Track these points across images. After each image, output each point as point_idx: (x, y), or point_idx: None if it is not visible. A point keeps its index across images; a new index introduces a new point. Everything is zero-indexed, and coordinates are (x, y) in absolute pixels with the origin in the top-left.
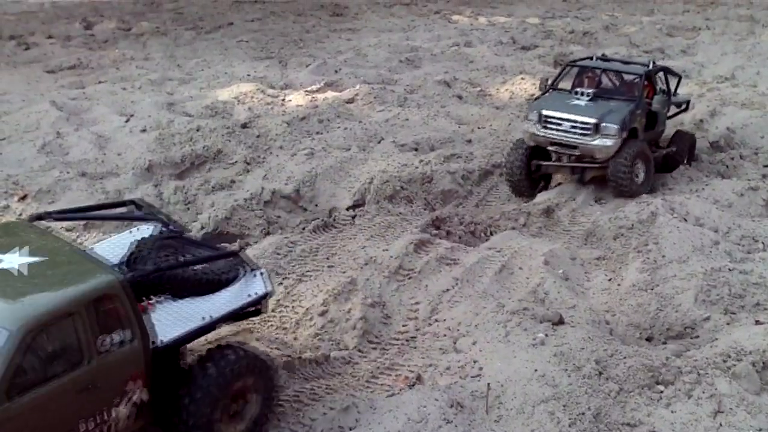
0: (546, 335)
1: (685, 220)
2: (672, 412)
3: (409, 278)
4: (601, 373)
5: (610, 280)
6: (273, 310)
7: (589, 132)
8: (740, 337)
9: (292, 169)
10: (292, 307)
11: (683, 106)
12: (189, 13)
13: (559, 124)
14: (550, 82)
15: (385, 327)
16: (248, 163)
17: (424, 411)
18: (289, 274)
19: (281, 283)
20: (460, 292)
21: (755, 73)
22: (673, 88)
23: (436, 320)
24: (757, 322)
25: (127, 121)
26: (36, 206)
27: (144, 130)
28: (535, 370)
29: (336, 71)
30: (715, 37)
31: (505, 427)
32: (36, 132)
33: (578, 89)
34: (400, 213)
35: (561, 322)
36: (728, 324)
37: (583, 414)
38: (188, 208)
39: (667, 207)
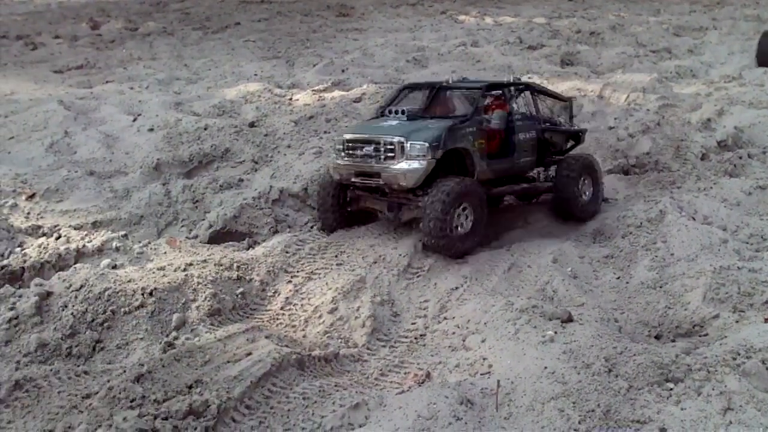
0: (555, 333)
1: (694, 218)
2: (682, 409)
3: (418, 276)
4: (610, 371)
5: (618, 278)
6: (282, 308)
7: (392, 154)
8: (750, 335)
9: (300, 167)
10: (301, 305)
11: (578, 138)
12: (196, 13)
13: (362, 148)
14: (381, 105)
15: (394, 325)
16: (256, 162)
17: (433, 408)
18: (297, 272)
19: (290, 281)
20: (469, 290)
21: (762, 72)
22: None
23: (445, 318)
24: (766, 320)
25: (134, 120)
26: (44, 205)
27: (152, 129)
28: (545, 368)
29: (343, 71)
30: (722, 37)
31: (515, 424)
32: (44, 131)
33: (393, 108)
34: None
35: (570, 319)
36: (737, 322)
37: (593, 411)
38: (196, 207)
39: (675, 205)
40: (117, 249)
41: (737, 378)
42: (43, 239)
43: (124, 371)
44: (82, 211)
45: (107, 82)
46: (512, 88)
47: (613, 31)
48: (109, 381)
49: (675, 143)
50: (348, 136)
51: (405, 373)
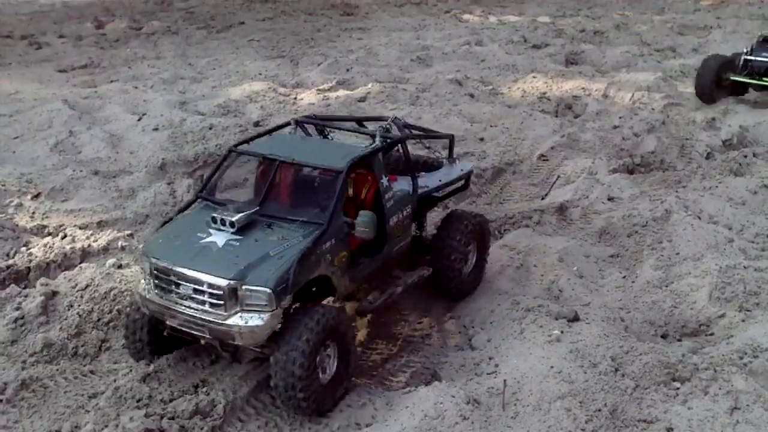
0: (561, 332)
1: (699, 217)
2: (688, 408)
3: None
4: (617, 370)
5: (624, 277)
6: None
7: (220, 302)
8: (756, 334)
9: None
10: None
11: (460, 183)
12: (200, 13)
13: (177, 285)
14: (204, 180)
15: (400, 324)
16: None
17: (440, 407)
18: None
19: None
20: (475, 290)
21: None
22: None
23: (451, 317)
24: None
25: (139, 119)
26: (49, 204)
27: (156, 129)
28: (551, 367)
29: (347, 70)
30: (726, 36)
31: (521, 423)
32: (48, 131)
33: (220, 214)
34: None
35: (576, 319)
36: (743, 321)
37: (600, 410)
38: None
39: (680, 205)
40: (122, 248)
41: (744, 377)
42: (48, 239)
43: (131, 371)
44: (88, 211)
45: (112, 81)
46: (381, 153)
47: (618, 30)
48: (115, 381)
49: (680, 142)
50: (156, 262)
51: (411, 373)
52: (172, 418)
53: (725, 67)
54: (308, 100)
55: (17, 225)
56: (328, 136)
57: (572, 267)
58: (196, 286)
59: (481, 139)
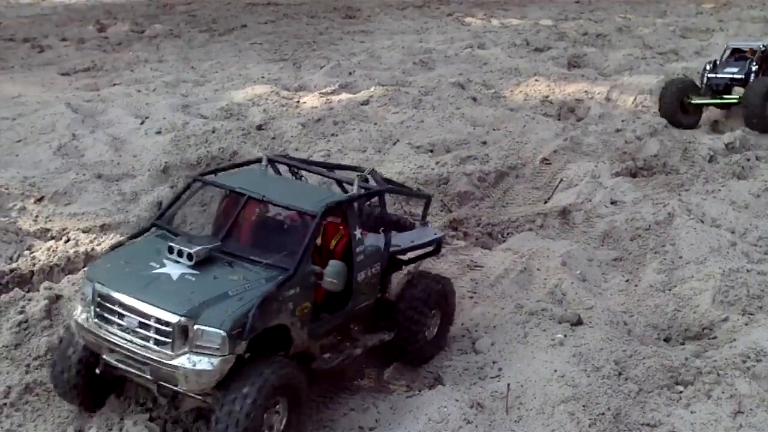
0: (565, 336)
1: (702, 221)
2: (692, 412)
3: None
4: (620, 374)
5: (627, 281)
6: None
7: (167, 339)
8: (759, 338)
9: None
10: None
11: (431, 248)
12: (202, 16)
13: (121, 315)
14: (163, 208)
15: None
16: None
17: (444, 411)
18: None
19: None
20: (478, 293)
21: None
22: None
23: (455, 321)
24: None
25: (142, 123)
26: (52, 208)
27: (159, 132)
28: (555, 371)
29: (350, 73)
30: (728, 39)
31: (525, 427)
32: (51, 134)
33: (178, 244)
34: (418, 214)
35: (579, 322)
36: (746, 325)
37: (603, 414)
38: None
39: (683, 208)
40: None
41: (747, 381)
42: (51, 242)
43: None
44: (91, 214)
45: (114, 84)
46: (356, 203)
47: (620, 33)
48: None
49: (683, 145)
50: (101, 288)
51: (415, 377)
52: (176, 422)
53: (687, 91)
54: (311, 103)
55: (20, 229)
56: (301, 178)
57: (575, 271)
58: (143, 320)
59: (484, 143)
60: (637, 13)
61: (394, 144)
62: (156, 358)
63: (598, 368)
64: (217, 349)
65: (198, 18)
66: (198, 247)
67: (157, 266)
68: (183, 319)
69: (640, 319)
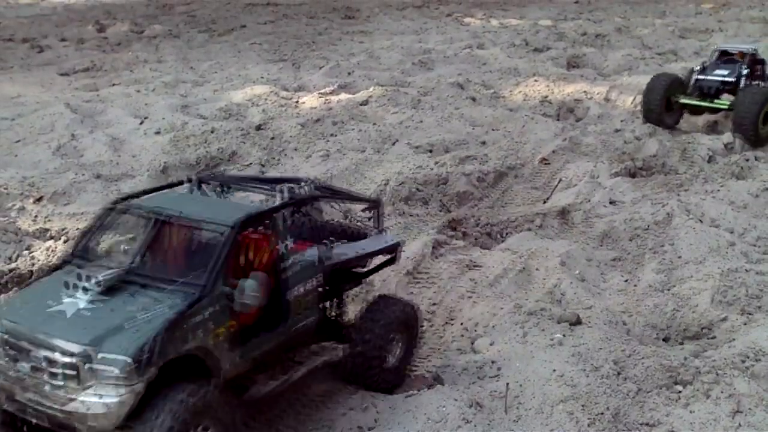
0: (564, 335)
1: (701, 221)
2: (691, 412)
3: (426, 279)
4: (619, 373)
5: (626, 281)
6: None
7: (72, 372)
8: (758, 338)
9: (307, 170)
10: None
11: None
12: (201, 16)
13: (27, 353)
14: (77, 239)
15: None
16: (263, 165)
17: (443, 411)
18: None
19: None
20: (477, 293)
21: None
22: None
23: (453, 321)
24: None
25: (141, 123)
26: (52, 208)
27: (158, 132)
28: (554, 371)
29: (349, 73)
30: (727, 39)
31: (524, 426)
32: (50, 134)
33: (85, 273)
34: (416, 214)
35: (578, 322)
36: (745, 324)
37: (602, 414)
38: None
39: (682, 208)
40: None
41: (746, 380)
42: (50, 242)
43: None
44: (90, 215)
45: (114, 84)
46: (284, 211)
47: (619, 34)
48: None
49: (682, 146)
50: (6, 324)
51: (414, 376)
52: None
53: (675, 88)
54: (310, 103)
55: (20, 228)
56: (230, 196)
57: (574, 271)
58: (46, 354)
59: (483, 143)
60: (636, 14)
61: (393, 144)
62: (59, 394)
63: (597, 368)
64: (123, 378)
65: (197, 18)
66: (103, 276)
67: (63, 298)
68: (84, 349)
69: (639, 318)
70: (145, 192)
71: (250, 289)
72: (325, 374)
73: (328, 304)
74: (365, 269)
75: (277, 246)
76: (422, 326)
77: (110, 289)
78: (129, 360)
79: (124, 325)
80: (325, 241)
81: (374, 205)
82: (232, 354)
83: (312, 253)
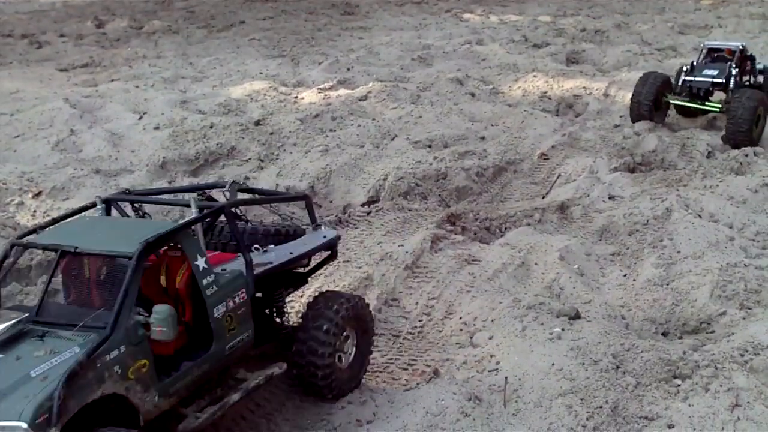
0: (562, 330)
1: (700, 216)
2: (689, 405)
3: (425, 273)
4: (618, 367)
5: (625, 275)
6: (289, 302)
7: None
8: (757, 332)
9: (306, 166)
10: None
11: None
12: (200, 12)
13: None
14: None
15: (401, 322)
16: (262, 160)
17: (441, 404)
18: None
19: None
20: (476, 287)
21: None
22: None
23: (452, 315)
24: None
25: (140, 118)
26: (50, 203)
27: (157, 128)
28: (553, 364)
29: (348, 69)
30: (727, 35)
31: (523, 420)
32: (50, 129)
33: None
34: (415, 209)
35: (577, 316)
36: (744, 319)
37: (601, 407)
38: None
39: (681, 203)
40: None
41: (745, 374)
42: None
43: None
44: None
45: (113, 80)
46: (193, 227)
47: (619, 30)
48: None
49: (681, 141)
50: None
51: (413, 370)
52: None
53: (663, 87)
54: (309, 99)
55: (18, 223)
56: (144, 215)
57: (573, 265)
58: None
59: (482, 138)
60: (635, 10)
61: (392, 139)
62: None
63: (595, 362)
64: None
65: (196, 14)
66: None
67: None
68: None
69: (638, 313)
70: (54, 221)
71: (158, 323)
72: None
73: (268, 311)
74: (308, 268)
75: (194, 263)
76: (373, 320)
77: (10, 340)
78: (25, 426)
79: (19, 384)
80: (256, 246)
81: (306, 201)
82: (150, 393)
83: (238, 263)
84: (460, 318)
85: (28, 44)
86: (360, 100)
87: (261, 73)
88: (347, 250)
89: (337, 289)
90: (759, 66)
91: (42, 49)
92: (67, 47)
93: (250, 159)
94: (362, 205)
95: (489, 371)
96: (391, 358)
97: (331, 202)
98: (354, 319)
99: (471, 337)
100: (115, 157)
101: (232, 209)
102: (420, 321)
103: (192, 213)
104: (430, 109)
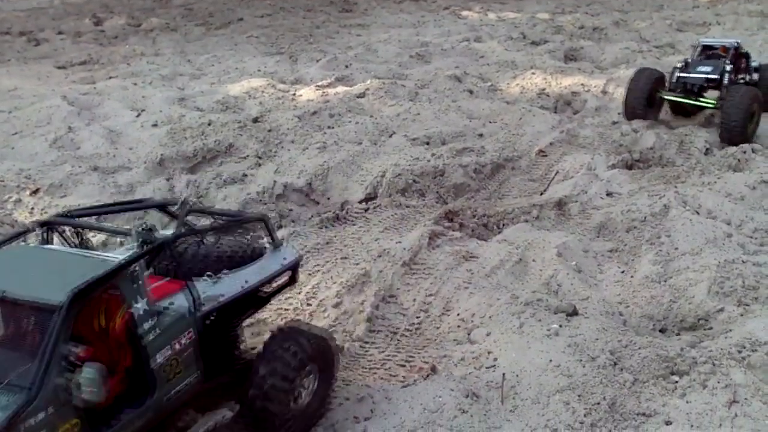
0: (560, 326)
1: (698, 212)
2: (687, 402)
3: (423, 270)
4: (615, 364)
5: (623, 272)
6: (287, 302)
7: None
8: (755, 328)
9: (303, 162)
10: (306, 299)
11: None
12: (198, 9)
13: None
14: None
15: (398, 318)
16: (260, 157)
17: (439, 401)
18: (302, 266)
19: None
20: (474, 284)
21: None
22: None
23: (450, 312)
24: None
25: (138, 115)
26: (48, 200)
27: (155, 125)
28: (550, 361)
29: (346, 66)
30: (725, 33)
31: (520, 416)
32: (47, 126)
33: None
34: (413, 206)
35: (575, 313)
36: (742, 315)
37: (599, 404)
38: (200, 202)
39: (679, 200)
40: (121, 244)
41: (742, 371)
42: None
43: None
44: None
45: (110, 77)
46: (136, 267)
47: (617, 27)
48: None
49: (679, 138)
50: None
51: (410, 367)
52: None
53: (657, 84)
54: (307, 96)
55: (16, 221)
56: (86, 242)
57: (571, 262)
58: None
59: (480, 135)
60: (633, 7)
61: (390, 136)
62: None
63: (593, 358)
64: None
65: (194, 11)
66: None
67: None
68: None
69: (635, 309)
70: None
71: (87, 383)
72: None
73: (221, 340)
74: (269, 289)
75: (129, 309)
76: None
77: None
78: None
79: None
80: (208, 273)
81: (264, 221)
82: None
83: (180, 303)
84: (458, 314)
85: (26, 41)
86: (358, 97)
87: (259, 71)
88: (345, 246)
89: (331, 287)
90: (754, 64)
91: (40, 46)
92: (65, 45)
93: (247, 156)
94: (360, 202)
95: (486, 368)
96: (389, 355)
97: (328, 198)
98: (316, 358)
99: (468, 334)
100: (113, 155)
101: (183, 230)
102: (417, 318)
103: (132, 246)
104: (428, 106)
